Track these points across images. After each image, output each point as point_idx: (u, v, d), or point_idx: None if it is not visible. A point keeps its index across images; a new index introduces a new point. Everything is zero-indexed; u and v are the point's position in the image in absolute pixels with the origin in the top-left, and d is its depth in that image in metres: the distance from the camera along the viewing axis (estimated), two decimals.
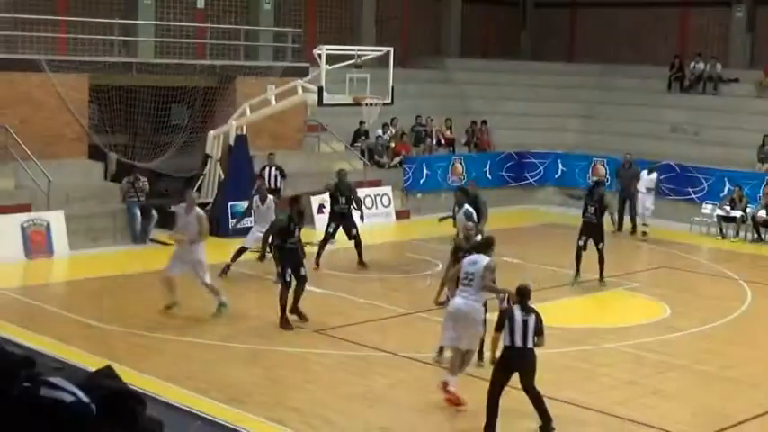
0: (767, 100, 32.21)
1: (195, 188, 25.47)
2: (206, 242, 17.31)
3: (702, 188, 28.48)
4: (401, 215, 27.55)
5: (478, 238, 15.33)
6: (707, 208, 27.66)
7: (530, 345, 11.63)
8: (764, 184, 27.31)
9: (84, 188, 23.85)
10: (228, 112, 25.81)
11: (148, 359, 14.51)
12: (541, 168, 31.82)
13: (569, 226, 21.39)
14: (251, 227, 20.94)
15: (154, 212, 23.65)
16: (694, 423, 12.86)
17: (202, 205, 25.23)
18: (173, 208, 17.25)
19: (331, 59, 23.18)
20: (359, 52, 23.62)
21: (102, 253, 21.90)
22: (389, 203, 27.57)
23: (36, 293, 18.52)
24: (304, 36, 30.68)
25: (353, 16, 35.07)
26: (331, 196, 22.00)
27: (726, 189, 27.71)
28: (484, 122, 32.84)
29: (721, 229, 26.84)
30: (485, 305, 13.26)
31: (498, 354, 11.90)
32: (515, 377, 11.81)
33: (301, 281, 16.53)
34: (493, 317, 12.60)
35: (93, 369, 3.08)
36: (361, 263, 21.30)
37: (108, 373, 3.02)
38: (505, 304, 12.89)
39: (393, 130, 30.40)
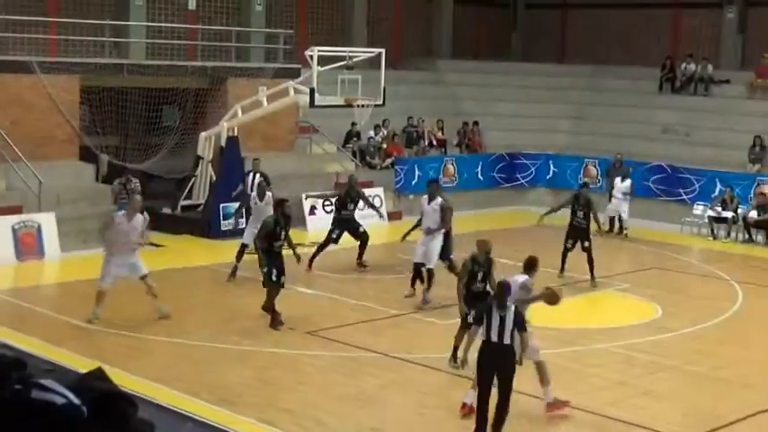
0: (758, 101, 32.28)
1: (187, 189, 25.54)
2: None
3: (694, 189, 28.54)
4: (393, 216, 27.55)
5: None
6: (698, 209, 27.72)
7: (506, 341, 11.44)
8: (755, 184, 27.40)
9: (75, 190, 23.82)
10: (220, 114, 25.80)
11: (139, 360, 14.50)
12: (533, 169, 31.86)
13: (561, 227, 21.42)
14: (243, 228, 20.99)
15: (145, 214, 23.57)
16: (685, 423, 12.88)
17: (194, 206, 25.37)
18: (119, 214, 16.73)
19: (322, 61, 23.18)
20: (350, 54, 23.62)
21: (94, 255, 21.72)
22: (381, 205, 27.57)
23: (27, 295, 18.49)
24: (295, 37, 30.69)
25: (345, 18, 35.07)
26: (340, 201, 21.93)
27: (717, 190, 27.78)
28: (475, 123, 32.87)
29: (712, 230, 26.90)
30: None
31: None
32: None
33: (281, 285, 16.77)
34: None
35: (84, 371, 3.07)
36: (361, 262, 21.30)
37: (99, 374, 3.01)
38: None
39: (385, 132, 30.41)
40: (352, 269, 21.19)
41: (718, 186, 27.83)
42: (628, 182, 26.85)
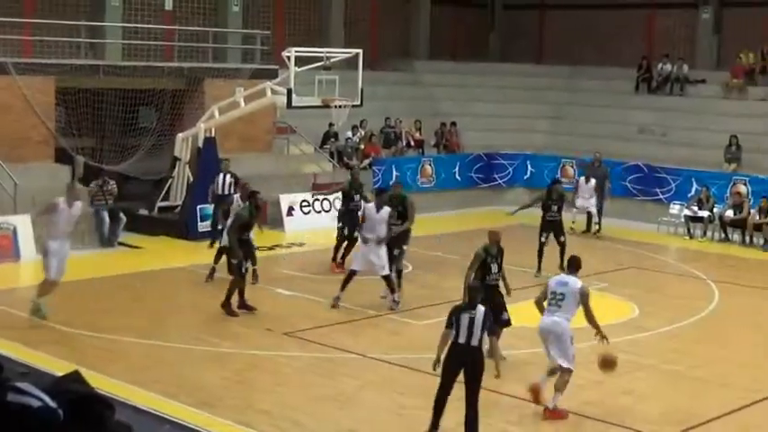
0: (734, 101, 32.48)
1: (164, 191, 25.45)
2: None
3: (670, 188, 28.68)
4: None
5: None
6: (674, 208, 27.86)
7: (474, 342, 11.40)
8: (731, 184, 27.56)
9: (51, 192, 23.47)
10: (197, 115, 25.72)
11: (116, 363, 14.43)
12: (510, 169, 31.93)
13: (537, 227, 21.51)
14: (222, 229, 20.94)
15: (122, 215, 23.55)
16: (663, 422, 12.93)
17: (171, 208, 25.29)
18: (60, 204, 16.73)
19: (300, 61, 23.15)
20: (328, 54, 23.60)
21: (70, 257, 21.68)
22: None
23: (2, 298, 18.36)
24: (273, 38, 30.63)
25: (322, 18, 35.05)
26: (345, 195, 21.84)
27: (693, 189, 27.93)
28: (453, 124, 32.92)
29: (689, 229, 27.04)
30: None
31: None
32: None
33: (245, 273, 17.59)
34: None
35: (61, 374, 3.05)
36: (343, 262, 21.16)
37: (75, 377, 3.00)
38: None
39: (362, 132, 30.40)
40: (329, 269, 21.08)
41: (695, 186, 27.97)
42: (593, 181, 26.89)
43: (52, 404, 2.79)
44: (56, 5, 27.80)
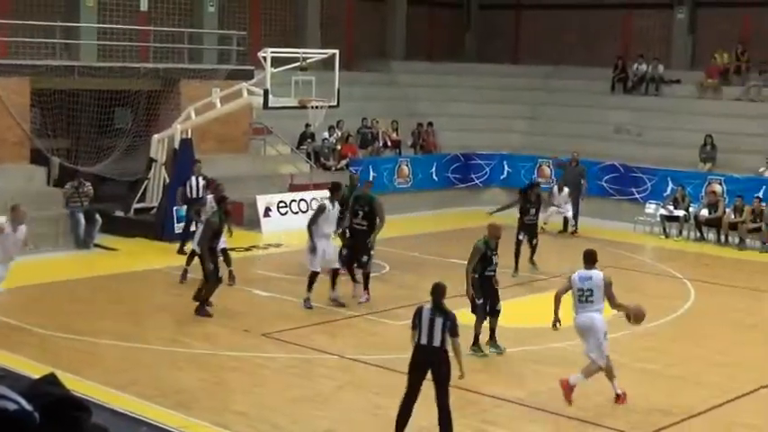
0: (708, 101, 32.65)
1: (140, 192, 25.35)
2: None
3: (646, 188, 28.82)
4: None
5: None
6: (650, 208, 27.99)
7: (436, 343, 11.32)
8: (706, 183, 27.72)
9: (26, 193, 23.48)
10: (173, 116, 25.64)
11: (93, 366, 14.36)
12: (487, 170, 32.01)
13: (514, 226, 21.55)
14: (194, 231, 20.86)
15: (98, 217, 23.44)
16: (639, 420, 12.98)
17: (147, 209, 25.20)
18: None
19: (276, 62, 23.12)
20: (304, 55, 23.57)
21: (45, 259, 21.61)
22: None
23: None
24: (249, 39, 30.56)
25: (298, 19, 35.00)
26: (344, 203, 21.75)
27: (669, 189, 28.08)
28: (430, 124, 32.94)
29: (665, 229, 27.18)
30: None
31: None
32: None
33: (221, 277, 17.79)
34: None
35: (37, 377, 3.03)
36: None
37: (51, 380, 2.98)
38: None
39: (339, 133, 30.37)
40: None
41: (670, 185, 28.13)
42: (566, 190, 27.06)
43: (28, 407, 2.77)
44: (30, 6, 27.62)
